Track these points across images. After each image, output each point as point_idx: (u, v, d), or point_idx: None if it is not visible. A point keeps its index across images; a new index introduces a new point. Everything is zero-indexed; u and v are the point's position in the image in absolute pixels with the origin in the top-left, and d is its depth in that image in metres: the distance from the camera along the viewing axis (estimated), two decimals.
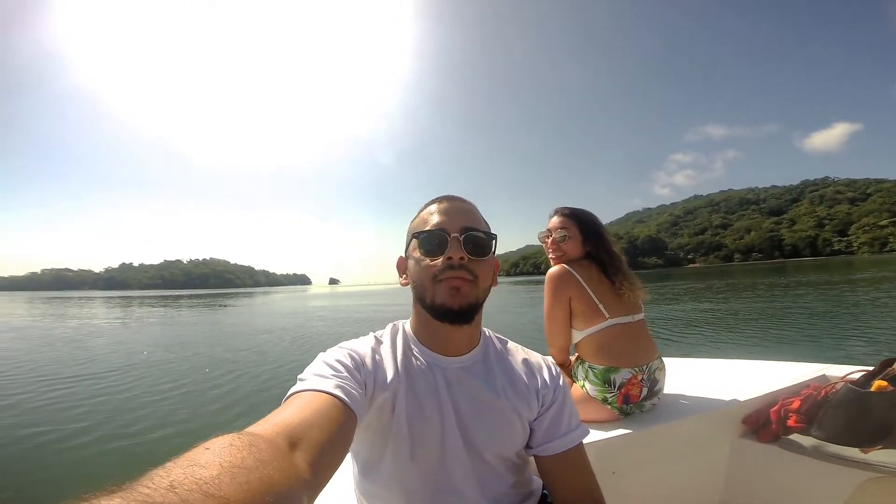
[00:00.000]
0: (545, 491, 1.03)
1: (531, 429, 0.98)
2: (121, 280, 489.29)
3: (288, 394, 0.72)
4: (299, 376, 0.76)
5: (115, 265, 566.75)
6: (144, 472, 0.39)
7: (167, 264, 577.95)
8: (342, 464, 0.65)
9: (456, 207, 0.94)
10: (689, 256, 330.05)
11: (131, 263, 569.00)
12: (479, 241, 0.90)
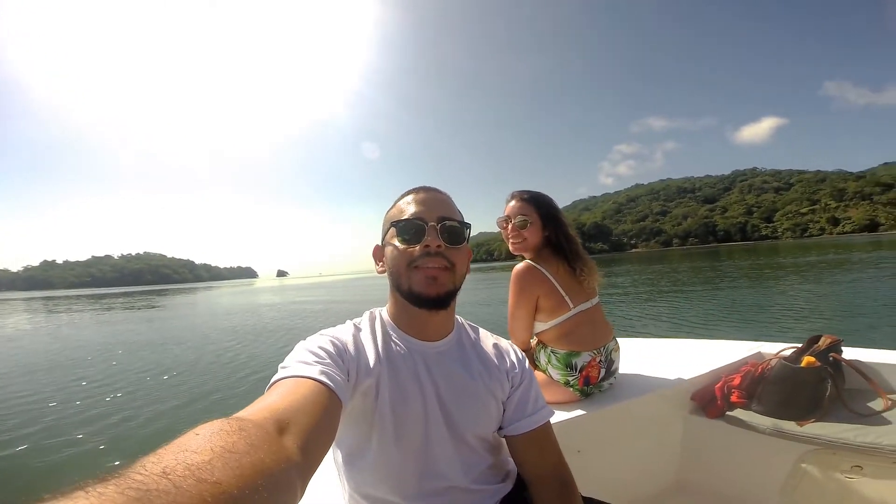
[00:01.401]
0: (519, 471, 1.07)
1: (503, 409, 1.02)
2: (43, 279, 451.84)
3: (272, 381, 0.72)
4: (281, 365, 0.75)
5: (36, 263, 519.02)
6: (136, 459, 0.39)
7: (96, 260, 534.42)
8: (327, 455, 0.64)
9: (432, 198, 0.96)
10: (632, 242, 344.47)
11: (54, 261, 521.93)
12: (454, 229, 0.93)
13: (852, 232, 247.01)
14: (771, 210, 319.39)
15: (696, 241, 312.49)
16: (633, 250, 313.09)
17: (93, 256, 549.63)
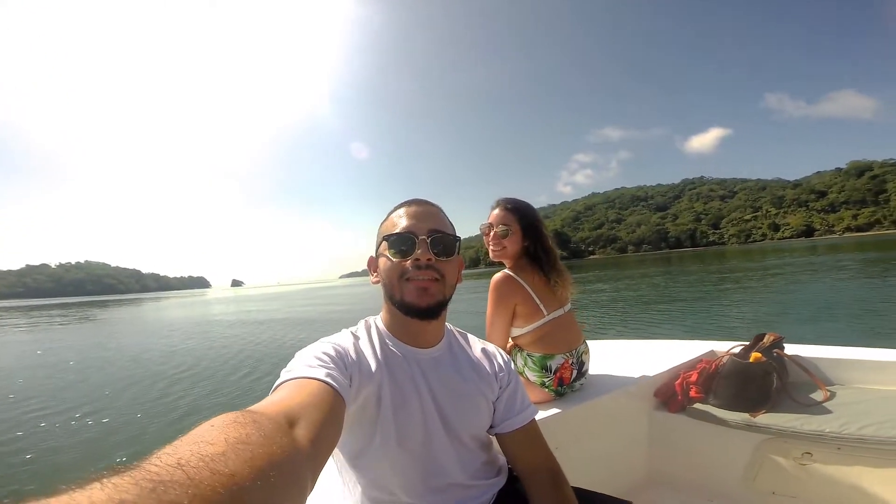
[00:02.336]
0: (510, 466, 1.14)
1: (494, 409, 1.08)
2: None
3: (276, 384, 0.74)
4: (283, 370, 0.78)
5: None
6: (152, 451, 0.39)
7: (30, 269, 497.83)
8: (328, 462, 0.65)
9: (423, 211, 0.99)
10: (590, 248, 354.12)
11: None
12: (445, 242, 0.96)
13: (791, 237, 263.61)
14: (718, 217, 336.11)
15: (650, 248, 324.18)
16: (591, 257, 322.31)
17: (27, 265, 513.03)
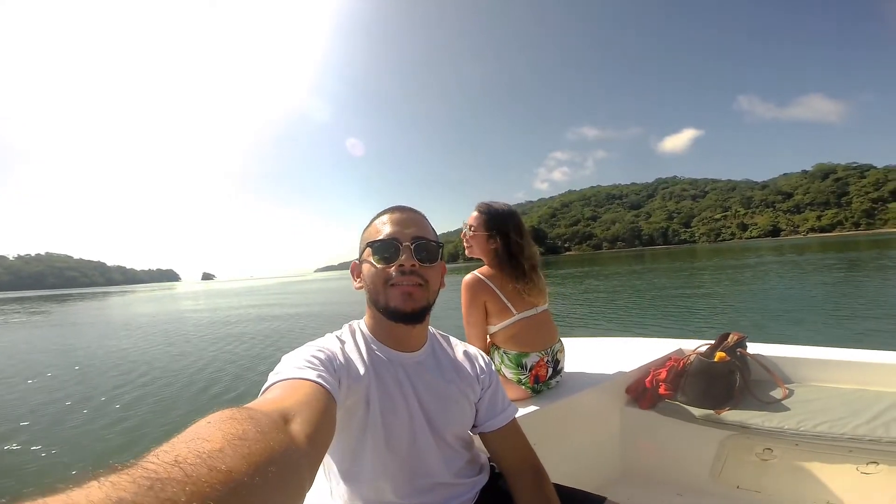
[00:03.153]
0: (492, 464, 1.19)
1: (476, 409, 1.12)
2: None
3: (265, 386, 0.74)
4: (272, 373, 0.77)
5: None
6: (150, 449, 0.39)
7: None
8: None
9: (407, 218, 1.00)
10: (566, 245, 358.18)
11: None
12: (428, 248, 0.97)
13: (758, 237, 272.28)
14: (689, 216, 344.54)
15: (624, 245, 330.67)
16: (567, 253, 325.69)
17: None
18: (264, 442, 0.46)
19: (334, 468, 0.99)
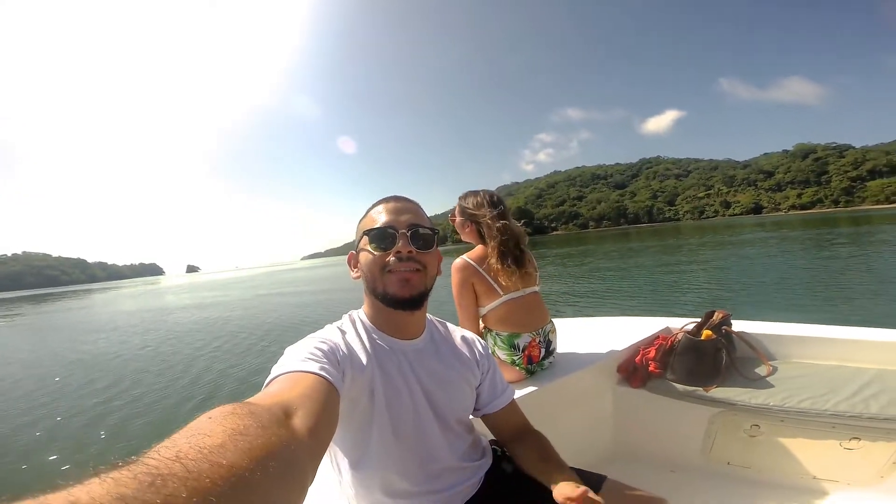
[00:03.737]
0: (494, 448, 1.23)
1: (477, 393, 1.15)
2: None
3: (269, 379, 0.74)
4: (273, 367, 0.77)
5: None
6: (151, 446, 0.39)
7: None
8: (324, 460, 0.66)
9: (403, 206, 1.01)
10: (553, 225, 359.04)
11: None
12: (424, 236, 0.99)
13: (741, 214, 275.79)
14: (673, 195, 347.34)
15: (610, 224, 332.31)
16: (554, 232, 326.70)
17: None
18: (265, 437, 0.46)
19: (342, 459, 0.99)
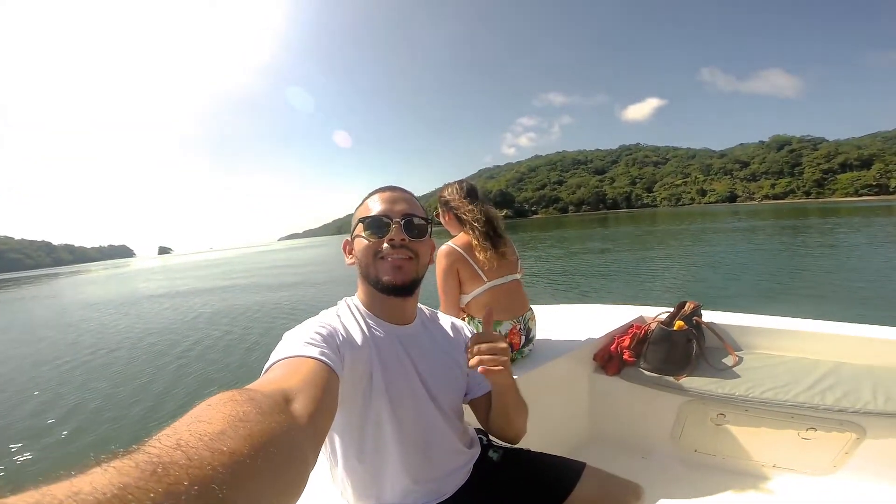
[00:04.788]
0: (480, 437, 1.25)
1: (467, 376, 1.17)
2: None
3: (267, 365, 0.75)
4: (272, 353, 0.77)
5: None
6: (152, 434, 0.39)
7: None
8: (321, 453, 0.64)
9: (397, 196, 1.03)
10: (533, 208, 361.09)
11: None
12: (417, 225, 1.01)
13: (716, 202, 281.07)
14: (651, 181, 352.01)
15: (589, 208, 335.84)
16: (535, 216, 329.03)
17: None
18: (265, 423, 0.46)
19: (338, 445, 1.00)
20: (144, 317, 14.04)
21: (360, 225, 1.01)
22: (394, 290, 0.98)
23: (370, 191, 1.08)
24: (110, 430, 5.19)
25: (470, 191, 2.08)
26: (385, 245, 0.97)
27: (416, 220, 1.01)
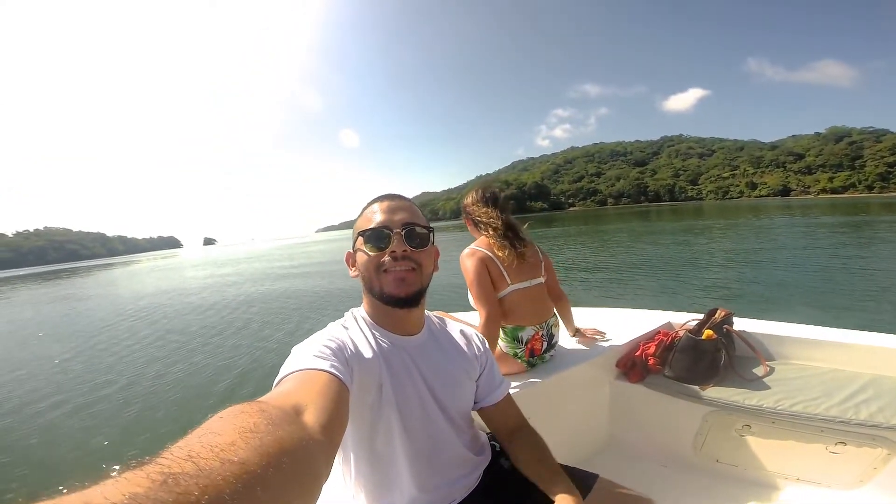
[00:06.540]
0: (492, 444, 1.25)
1: (476, 386, 1.17)
2: None
3: (278, 378, 0.75)
4: (282, 367, 0.78)
5: None
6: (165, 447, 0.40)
7: None
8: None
9: (397, 205, 1.02)
10: (570, 201, 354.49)
11: None
12: (419, 234, 1.00)
13: (767, 196, 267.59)
14: (696, 174, 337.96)
15: (629, 201, 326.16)
16: (571, 209, 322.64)
17: None
18: (276, 434, 0.46)
19: (350, 454, 1.00)
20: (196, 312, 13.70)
21: (361, 238, 0.99)
22: (399, 302, 0.97)
23: (371, 198, 1.06)
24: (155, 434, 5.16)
25: (489, 198, 2.07)
26: (387, 258, 0.96)
27: (417, 230, 0.99)
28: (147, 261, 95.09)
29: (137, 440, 4.90)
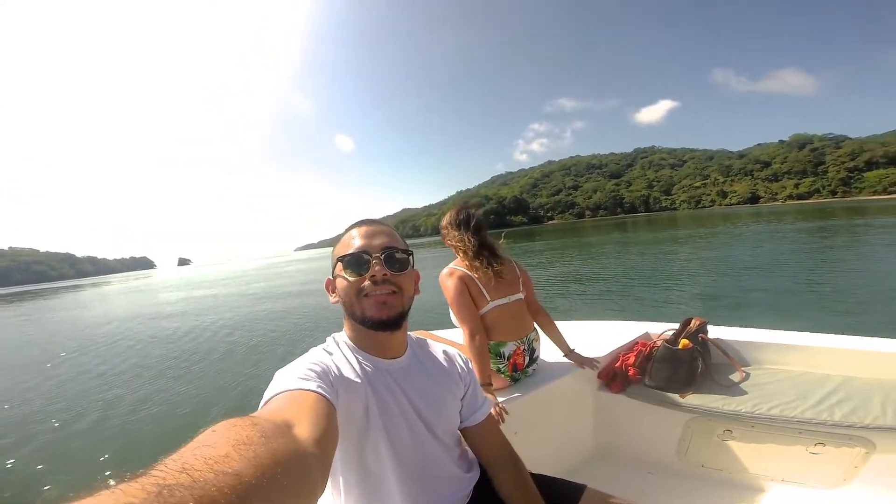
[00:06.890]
0: (476, 457, 1.24)
1: (461, 405, 1.17)
2: None
3: (263, 400, 0.75)
4: (266, 391, 0.78)
5: None
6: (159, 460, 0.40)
7: None
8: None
9: (375, 230, 1.02)
10: (549, 214, 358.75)
11: None
12: (398, 259, 1.00)
13: (738, 204, 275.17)
14: (669, 184, 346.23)
15: (606, 213, 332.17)
16: (550, 222, 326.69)
17: None
18: (270, 446, 0.47)
19: (339, 475, 1.00)
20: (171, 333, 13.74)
21: (340, 263, 0.99)
22: (380, 325, 0.97)
23: (351, 224, 1.06)
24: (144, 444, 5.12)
25: (462, 220, 2.08)
26: (367, 282, 0.96)
27: (397, 255, 0.99)
28: (118, 282, 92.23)
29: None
